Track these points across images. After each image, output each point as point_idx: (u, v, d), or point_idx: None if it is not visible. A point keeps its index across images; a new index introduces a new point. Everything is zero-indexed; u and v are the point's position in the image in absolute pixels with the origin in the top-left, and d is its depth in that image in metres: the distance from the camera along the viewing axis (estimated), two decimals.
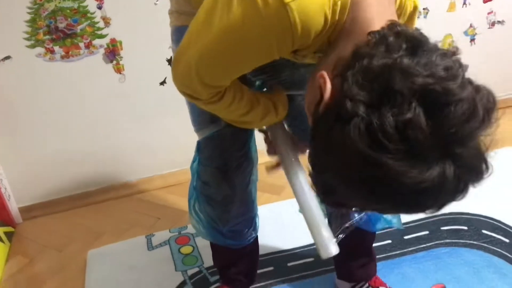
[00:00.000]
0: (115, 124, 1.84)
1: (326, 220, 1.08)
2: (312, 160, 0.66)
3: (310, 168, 0.67)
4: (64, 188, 1.87)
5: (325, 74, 0.64)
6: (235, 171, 1.11)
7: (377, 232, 1.27)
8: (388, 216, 1.18)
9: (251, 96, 0.95)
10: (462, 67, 0.59)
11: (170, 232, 1.67)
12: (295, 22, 0.66)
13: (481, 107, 0.57)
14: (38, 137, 1.78)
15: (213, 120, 1.04)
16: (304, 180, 1.01)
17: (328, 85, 0.63)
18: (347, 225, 1.11)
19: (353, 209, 0.69)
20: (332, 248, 1.00)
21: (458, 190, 0.60)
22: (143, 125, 1.87)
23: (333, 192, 0.64)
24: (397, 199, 0.59)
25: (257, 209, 1.24)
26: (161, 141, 1.91)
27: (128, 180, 1.94)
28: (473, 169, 0.60)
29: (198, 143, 1.12)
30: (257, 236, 1.29)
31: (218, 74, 0.79)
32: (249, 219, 1.22)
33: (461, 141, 0.56)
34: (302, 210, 1.02)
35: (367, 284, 1.27)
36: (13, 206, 1.83)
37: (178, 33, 1.07)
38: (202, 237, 1.24)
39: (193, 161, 1.15)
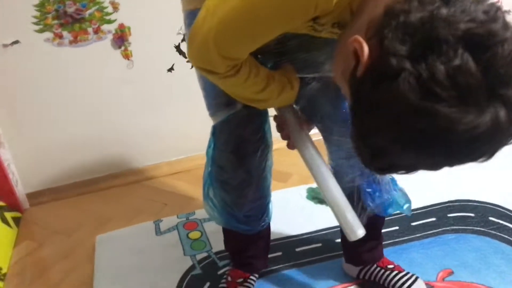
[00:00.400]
0: (123, 110, 1.84)
1: (349, 203, 1.06)
2: (357, 126, 0.67)
3: (353, 136, 0.67)
4: (72, 174, 1.88)
5: (359, 37, 0.63)
6: (251, 156, 1.11)
7: (385, 218, 1.28)
8: (401, 200, 1.18)
9: (267, 72, 0.95)
10: (500, 10, 0.58)
11: (178, 218, 1.68)
12: None
13: None
14: (46, 123, 1.78)
15: (228, 103, 1.05)
16: (321, 162, 1.02)
17: (366, 47, 0.62)
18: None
19: (401, 172, 0.67)
20: (359, 231, 1.02)
21: (510, 132, 0.60)
22: (150, 112, 1.87)
23: (383, 155, 0.64)
24: (452, 149, 0.59)
25: (271, 195, 1.25)
26: (168, 128, 1.92)
27: (135, 166, 1.94)
28: None
29: (214, 127, 1.11)
30: (269, 223, 1.30)
31: (238, 43, 0.78)
32: (263, 205, 1.22)
33: (510, 82, 0.56)
34: (324, 193, 1.02)
35: (375, 265, 1.29)
36: (21, 192, 1.84)
37: (192, 16, 1.07)
38: (217, 222, 1.24)
39: (208, 146, 1.15)
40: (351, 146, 0.70)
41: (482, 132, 0.56)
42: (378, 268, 1.28)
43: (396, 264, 1.30)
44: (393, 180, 1.22)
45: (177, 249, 1.53)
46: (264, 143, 1.12)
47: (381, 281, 1.28)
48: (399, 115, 0.59)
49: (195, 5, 1.04)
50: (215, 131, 1.12)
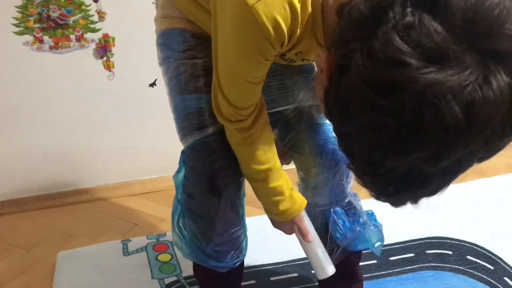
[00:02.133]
0: (98, 123, 1.77)
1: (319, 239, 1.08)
2: (340, 141, 0.60)
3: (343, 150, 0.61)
4: (37, 187, 1.78)
5: (321, 53, 0.61)
6: (222, 184, 1.01)
7: (362, 252, 1.23)
8: (374, 237, 1.14)
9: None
10: None
11: (147, 238, 1.60)
12: (263, 22, 0.68)
13: None
14: (14, 129, 1.69)
15: (198, 127, 0.97)
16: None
17: (323, 55, 0.59)
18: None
19: (400, 172, 0.55)
20: (329, 268, 1.05)
21: None
22: (127, 127, 1.80)
23: (373, 164, 0.55)
24: (446, 128, 0.47)
25: (245, 229, 1.16)
26: (144, 145, 1.85)
27: (106, 182, 1.85)
28: None
29: (183, 152, 1.03)
30: (243, 260, 1.21)
31: (233, 92, 0.86)
32: (235, 240, 1.11)
33: (490, 30, 0.47)
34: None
35: None
36: None
37: (163, 36, 1.04)
38: (185, 256, 1.14)
39: (177, 172, 1.06)
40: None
41: (473, 95, 0.46)
42: None
43: None
44: (371, 215, 1.19)
45: (145, 271, 1.45)
46: (237, 171, 1.04)
47: None
48: (366, 101, 0.50)
49: (167, 25, 1.02)
50: (184, 156, 1.03)
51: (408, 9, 0.48)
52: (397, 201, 0.60)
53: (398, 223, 1.61)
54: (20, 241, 1.60)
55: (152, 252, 1.53)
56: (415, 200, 0.60)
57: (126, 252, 1.53)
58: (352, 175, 1.09)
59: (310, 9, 0.71)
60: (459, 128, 0.47)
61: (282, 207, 1.03)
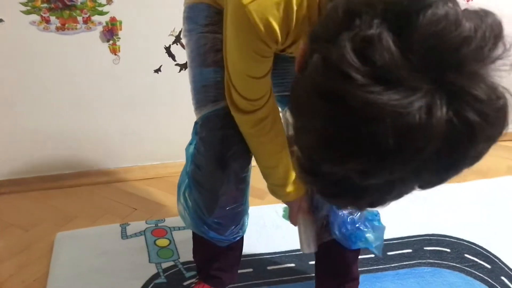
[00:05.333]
0: (101, 107, 1.77)
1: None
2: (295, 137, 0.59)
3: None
4: (39, 167, 1.78)
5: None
6: (231, 159, 1.05)
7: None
8: (371, 237, 1.14)
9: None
10: None
11: (146, 223, 1.60)
12: (255, 22, 0.73)
13: (467, 18, 0.46)
14: (18, 109, 1.69)
15: (213, 99, 1.00)
16: None
17: (302, 44, 0.59)
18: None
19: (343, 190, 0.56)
20: (312, 246, 1.11)
21: (459, 133, 0.46)
22: (130, 112, 1.80)
23: (313, 157, 0.55)
24: (378, 145, 0.46)
25: (247, 206, 1.18)
26: (147, 131, 1.85)
27: (107, 167, 1.85)
28: (478, 107, 0.46)
29: (195, 123, 1.06)
30: (243, 236, 1.23)
31: (243, 86, 0.90)
32: (237, 215, 1.15)
33: (449, 63, 0.45)
34: None
35: None
36: None
37: (190, 9, 1.05)
38: (187, 225, 1.18)
39: (189, 144, 1.09)
40: None
41: (413, 122, 0.45)
42: None
43: None
44: (376, 215, 1.17)
45: (143, 255, 1.45)
46: (247, 150, 1.06)
47: None
48: (309, 103, 0.51)
49: None
50: (197, 127, 1.06)
51: (375, 21, 0.46)
52: (337, 204, 0.63)
53: (397, 219, 1.61)
54: (19, 221, 1.61)
55: (150, 236, 1.53)
56: (357, 208, 0.62)
57: (124, 235, 1.53)
58: None
59: (306, 8, 0.73)
60: (387, 152, 0.47)
61: (288, 189, 1.07)
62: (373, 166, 0.49)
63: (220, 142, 1.03)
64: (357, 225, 1.08)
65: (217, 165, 1.06)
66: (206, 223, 1.12)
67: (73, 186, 1.79)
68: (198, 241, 1.23)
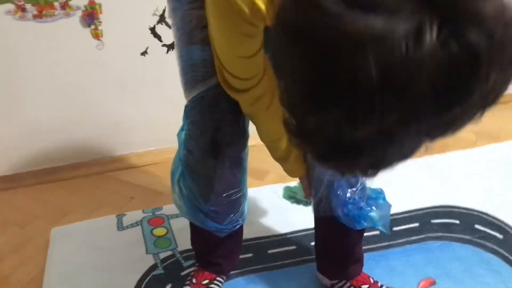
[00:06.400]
0: (90, 96, 1.71)
1: None
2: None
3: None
4: (31, 162, 1.73)
5: None
6: (224, 144, 1.00)
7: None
8: (375, 216, 1.07)
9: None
10: None
11: (143, 212, 1.55)
12: (239, 5, 0.70)
13: None
14: (3, 104, 1.64)
15: (202, 78, 0.95)
16: None
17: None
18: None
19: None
20: None
21: (458, 60, 0.38)
22: (119, 98, 1.74)
23: (296, 112, 0.48)
24: (361, 82, 0.39)
25: (246, 194, 1.13)
26: (140, 116, 1.79)
27: (101, 156, 1.80)
28: (481, 25, 0.38)
29: (186, 107, 1.01)
30: (242, 224, 1.18)
31: (235, 67, 0.86)
32: (235, 202, 1.09)
33: None
34: None
35: (348, 284, 1.17)
36: None
37: None
38: (183, 215, 1.14)
39: (181, 129, 1.04)
40: None
41: (396, 51, 0.37)
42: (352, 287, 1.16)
43: (372, 282, 1.17)
44: (380, 193, 1.10)
45: (139, 246, 1.41)
46: (241, 130, 1.01)
47: None
48: (283, 46, 0.45)
49: None
50: (187, 111, 1.01)
51: None
52: (336, 170, 0.53)
53: (402, 192, 1.54)
54: (14, 218, 1.57)
55: (147, 226, 1.49)
56: (361, 173, 0.52)
57: (120, 227, 1.49)
58: None
59: None
60: (372, 90, 0.39)
61: (294, 162, 1.05)
62: (359, 110, 0.41)
63: (211, 125, 0.98)
64: (360, 205, 1.02)
65: (210, 149, 1.01)
66: (202, 211, 1.08)
67: (68, 179, 1.75)
68: (196, 231, 1.18)
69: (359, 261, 1.18)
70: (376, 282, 1.17)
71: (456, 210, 1.49)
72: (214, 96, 0.95)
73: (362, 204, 1.03)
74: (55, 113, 1.70)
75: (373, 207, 1.04)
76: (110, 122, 1.76)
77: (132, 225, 1.49)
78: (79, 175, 1.76)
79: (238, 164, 1.05)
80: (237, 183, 1.08)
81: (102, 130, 1.77)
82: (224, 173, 1.04)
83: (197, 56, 0.94)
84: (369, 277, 1.17)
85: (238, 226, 1.12)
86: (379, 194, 1.07)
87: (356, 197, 1.04)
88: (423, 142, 0.45)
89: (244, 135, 1.03)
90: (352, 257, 1.15)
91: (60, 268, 1.33)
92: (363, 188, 1.05)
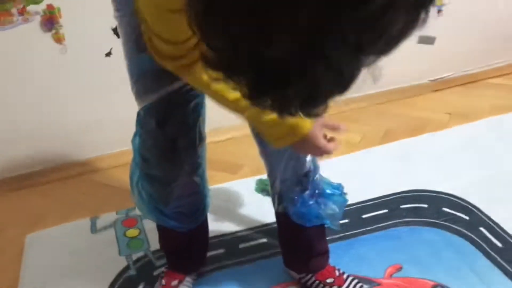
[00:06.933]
0: (58, 99, 1.70)
1: None
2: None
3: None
4: (3, 168, 1.74)
5: None
6: (178, 151, 1.01)
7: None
8: (325, 213, 1.06)
9: None
10: None
11: (116, 214, 1.56)
12: None
13: None
14: None
15: (153, 88, 0.93)
16: None
17: None
18: None
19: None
20: None
21: None
22: (89, 100, 1.73)
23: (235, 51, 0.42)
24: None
25: (207, 191, 1.15)
26: (110, 116, 1.78)
27: (75, 159, 1.80)
28: None
29: (137, 114, 1.01)
30: (205, 219, 1.20)
31: (164, 28, 0.77)
32: (196, 202, 1.12)
33: None
34: None
35: (313, 278, 1.18)
36: None
37: None
38: (145, 216, 1.17)
39: (134, 135, 1.05)
40: None
41: None
42: (316, 282, 1.17)
43: (337, 275, 1.17)
44: (337, 188, 1.11)
45: (113, 248, 1.42)
46: (194, 135, 1.02)
47: None
48: None
49: None
50: (139, 119, 1.01)
51: None
52: (274, 107, 0.47)
53: (372, 178, 1.56)
54: None
55: (120, 228, 1.50)
56: (300, 108, 0.46)
57: (94, 230, 1.50)
58: None
59: None
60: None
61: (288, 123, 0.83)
62: (262, 16, 0.38)
63: (165, 132, 0.98)
64: (309, 203, 1.03)
65: (165, 158, 1.02)
66: (163, 213, 1.10)
67: (42, 184, 1.75)
68: (161, 231, 1.21)
69: (322, 255, 1.18)
70: (341, 275, 1.18)
71: (425, 194, 1.50)
72: (167, 104, 0.94)
73: (312, 202, 1.03)
74: (24, 119, 1.69)
75: (322, 205, 1.04)
76: (81, 125, 1.76)
77: (105, 228, 1.50)
78: (53, 179, 1.76)
79: (195, 167, 1.06)
80: (197, 185, 1.09)
81: (73, 133, 1.77)
82: (183, 179, 1.05)
83: (147, 64, 0.90)
84: (334, 269, 1.18)
85: (199, 224, 1.14)
86: (335, 190, 1.08)
87: (305, 195, 1.04)
88: (360, 62, 0.41)
89: (201, 139, 1.04)
90: (313, 251, 1.16)
91: (34, 274, 1.35)
92: (315, 184, 1.05)
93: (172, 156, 1.02)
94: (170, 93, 0.94)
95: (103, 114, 1.77)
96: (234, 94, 0.78)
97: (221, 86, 0.79)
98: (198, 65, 0.79)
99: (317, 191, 1.05)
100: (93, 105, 1.74)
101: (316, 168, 1.07)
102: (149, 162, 1.03)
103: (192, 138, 1.02)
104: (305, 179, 1.04)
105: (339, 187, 1.10)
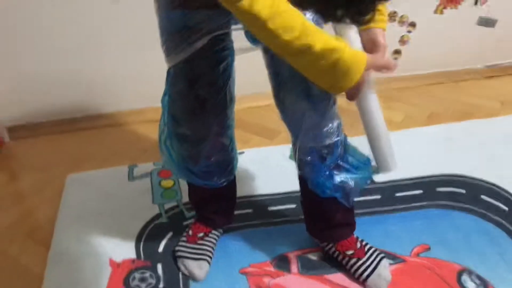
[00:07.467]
0: (107, 47, 1.75)
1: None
2: None
3: None
4: (48, 112, 1.81)
5: None
6: (208, 112, 1.02)
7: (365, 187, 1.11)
8: (334, 187, 1.03)
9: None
10: None
11: (154, 164, 1.61)
12: None
13: None
14: (28, 53, 1.70)
15: (184, 45, 0.93)
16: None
17: None
18: None
19: None
20: (392, 163, 0.94)
21: None
22: (137, 50, 1.77)
23: None
24: None
25: (236, 152, 1.16)
26: (158, 70, 1.80)
27: (118, 109, 1.86)
28: None
29: (167, 72, 1.01)
30: (234, 178, 1.22)
31: None
32: (224, 162, 1.13)
33: None
34: (365, 118, 0.90)
35: (333, 248, 1.18)
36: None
37: None
38: (174, 174, 1.19)
39: (164, 94, 1.05)
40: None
41: None
42: (337, 252, 1.17)
43: (359, 247, 1.16)
44: (362, 162, 1.06)
45: (147, 196, 1.47)
46: (224, 95, 1.02)
47: (342, 265, 1.17)
48: None
49: None
50: (168, 77, 1.02)
51: None
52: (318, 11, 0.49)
53: (410, 158, 1.52)
54: (36, 163, 1.67)
55: (156, 177, 1.55)
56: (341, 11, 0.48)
57: (131, 177, 1.56)
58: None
59: None
60: None
61: (344, 61, 0.77)
62: None
63: (195, 96, 0.99)
64: (326, 173, 1.02)
65: (195, 118, 1.03)
66: (193, 172, 1.12)
67: (84, 129, 1.82)
68: (191, 186, 1.24)
69: (343, 226, 1.16)
70: (363, 247, 1.16)
71: (464, 179, 1.46)
72: (197, 61, 0.94)
73: (327, 172, 1.01)
74: (75, 64, 1.75)
75: (337, 177, 1.01)
76: (129, 75, 1.81)
77: (142, 176, 1.56)
78: (95, 126, 1.83)
79: (225, 127, 1.07)
80: (226, 144, 1.11)
81: (120, 82, 1.82)
82: (211, 139, 1.06)
83: (178, 21, 0.90)
84: (356, 241, 1.17)
85: (226, 183, 1.16)
86: (360, 164, 1.05)
87: (324, 165, 1.01)
88: None
89: (231, 100, 1.05)
90: (332, 221, 1.14)
91: (71, 211, 1.42)
92: (337, 155, 1.02)
93: (202, 117, 1.02)
94: (201, 53, 0.93)
95: (149, 66, 1.79)
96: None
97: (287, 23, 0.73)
98: None
99: (339, 162, 1.02)
100: (140, 56, 1.77)
101: (340, 139, 1.02)
102: (178, 122, 1.04)
103: (222, 100, 1.02)
104: (324, 149, 1.00)
105: (366, 161, 1.06)
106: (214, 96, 1.01)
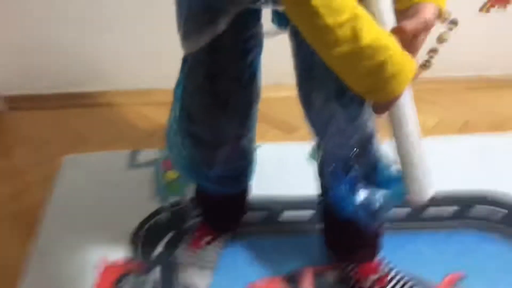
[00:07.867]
0: (120, 24, 1.59)
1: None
2: None
3: None
4: (52, 84, 1.67)
5: None
6: (230, 107, 0.86)
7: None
8: (359, 208, 0.90)
9: None
10: None
11: (159, 151, 1.46)
12: None
13: None
14: (29, 20, 1.56)
15: (204, 28, 0.76)
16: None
17: None
18: None
19: None
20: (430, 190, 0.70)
21: None
22: (151, 30, 1.61)
23: None
24: None
25: (255, 157, 1.01)
26: (170, 50, 1.64)
27: (126, 88, 1.72)
28: None
29: (183, 60, 0.86)
30: (248, 184, 1.08)
31: None
32: (240, 168, 0.99)
33: None
34: (399, 140, 0.68)
35: (354, 270, 1.03)
36: None
37: None
38: (184, 175, 1.05)
39: (177, 85, 0.89)
40: None
41: None
42: (357, 276, 1.02)
43: (383, 274, 1.01)
44: (392, 179, 0.88)
45: (149, 187, 1.33)
46: (249, 96, 0.87)
47: None
48: None
49: None
50: (184, 66, 0.86)
51: None
52: None
53: (443, 169, 1.35)
54: (28, 140, 1.54)
55: (160, 167, 1.40)
56: None
57: (134, 163, 1.42)
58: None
59: None
60: None
61: (392, 65, 0.58)
62: None
63: (214, 91, 0.84)
64: (347, 187, 0.86)
65: (213, 117, 0.87)
66: (205, 176, 0.97)
67: (89, 106, 1.68)
68: (198, 190, 1.11)
69: (365, 247, 1.02)
70: (387, 274, 1.01)
71: (506, 198, 1.29)
72: (219, 58, 0.80)
73: (349, 186, 0.86)
74: (81, 35, 1.60)
75: (362, 195, 0.87)
76: (139, 53, 1.66)
77: (144, 164, 1.41)
78: (101, 103, 1.69)
79: (246, 130, 0.93)
80: (244, 150, 0.96)
81: (130, 59, 1.67)
82: (230, 142, 0.92)
83: (200, 2, 0.75)
84: (380, 265, 1.02)
85: (241, 189, 1.05)
86: (394, 180, 0.87)
87: (347, 177, 0.87)
88: None
89: (256, 100, 0.89)
90: (357, 240, 1.00)
91: (64, 198, 1.29)
92: (364, 166, 0.87)
93: (221, 118, 0.87)
94: (226, 41, 0.77)
95: (162, 46, 1.63)
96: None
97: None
98: None
99: (366, 175, 0.87)
100: (154, 34, 1.61)
101: (371, 150, 0.87)
102: (192, 120, 0.89)
103: (246, 98, 0.88)
104: (351, 160, 0.86)
105: (399, 176, 0.88)
106: (237, 94, 0.86)
